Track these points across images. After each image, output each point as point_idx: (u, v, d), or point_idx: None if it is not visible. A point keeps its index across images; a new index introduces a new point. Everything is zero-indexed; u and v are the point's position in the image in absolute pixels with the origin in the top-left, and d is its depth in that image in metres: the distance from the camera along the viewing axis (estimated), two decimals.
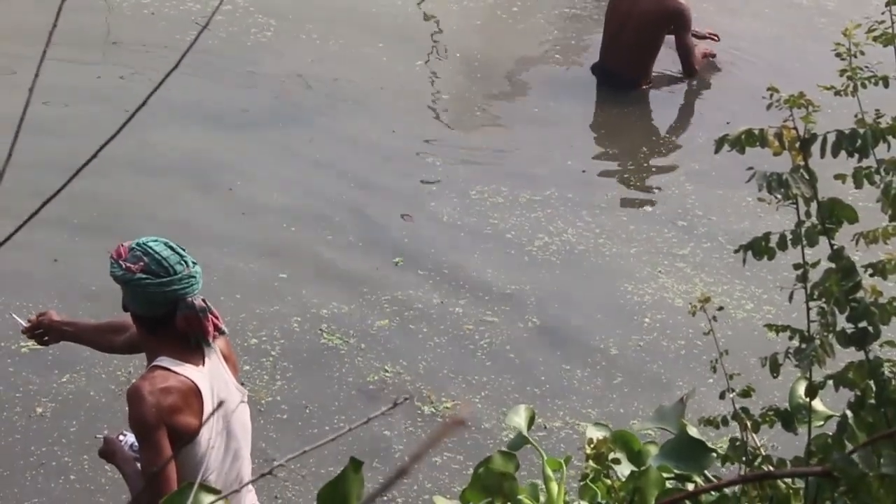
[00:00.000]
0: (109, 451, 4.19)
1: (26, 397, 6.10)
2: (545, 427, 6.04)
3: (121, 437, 4.23)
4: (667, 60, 9.18)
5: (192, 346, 4.04)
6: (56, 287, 6.79)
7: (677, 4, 8.75)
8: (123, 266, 3.97)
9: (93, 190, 7.26)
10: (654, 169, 8.36)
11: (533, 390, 6.32)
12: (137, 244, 4.01)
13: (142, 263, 3.95)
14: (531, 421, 3.46)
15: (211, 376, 4.05)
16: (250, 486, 4.27)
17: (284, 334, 6.56)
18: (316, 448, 4.02)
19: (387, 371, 6.35)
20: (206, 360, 4.06)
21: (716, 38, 9.28)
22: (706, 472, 2.96)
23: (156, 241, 4.04)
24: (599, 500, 2.92)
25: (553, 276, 7.15)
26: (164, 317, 4.00)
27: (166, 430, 3.93)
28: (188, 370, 4.00)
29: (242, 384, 4.28)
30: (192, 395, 3.98)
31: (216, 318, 4.05)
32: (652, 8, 8.72)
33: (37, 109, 7.72)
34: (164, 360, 4.01)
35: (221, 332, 4.08)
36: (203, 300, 4.02)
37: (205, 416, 3.98)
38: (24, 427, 5.93)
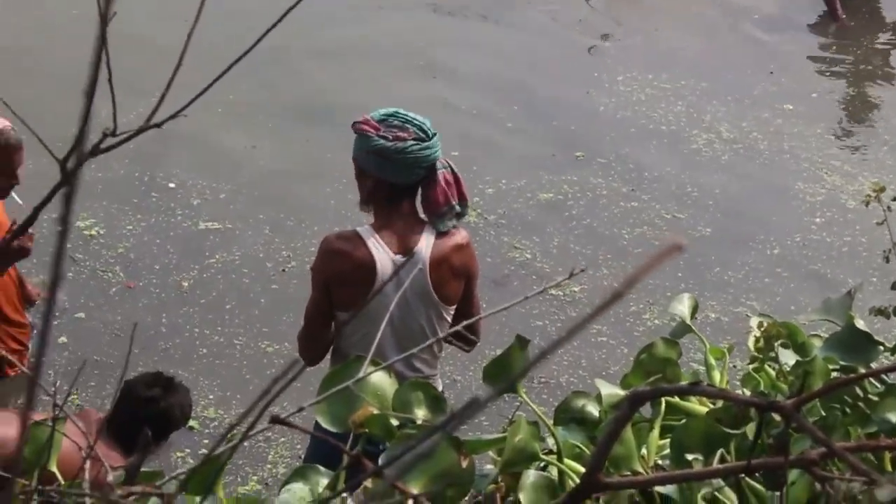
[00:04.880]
0: None
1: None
2: (703, 317, 6.02)
3: None
4: None
5: (415, 229, 4.00)
6: (256, 170, 6.96)
7: None
8: (391, 136, 3.91)
9: (300, 79, 7.59)
10: (823, 66, 8.19)
11: (697, 281, 6.30)
12: (390, 115, 3.95)
13: (411, 130, 3.92)
14: (694, 310, 3.44)
15: (407, 267, 4.00)
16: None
17: None
18: (484, 318, 4.01)
19: (518, 248, 6.40)
20: (418, 248, 3.99)
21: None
22: (872, 364, 2.92)
23: (396, 110, 3.98)
24: (762, 389, 2.91)
25: (724, 175, 7.10)
26: (419, 182, 3.97)
27: (326, 284, 3.97)
28: (382, 247, 3.96)
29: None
30: (365, 270, 3.94)
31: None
32: None
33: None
34: (372, 227, 3.99)
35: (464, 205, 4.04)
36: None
37: (371, 296, 3.96)
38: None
